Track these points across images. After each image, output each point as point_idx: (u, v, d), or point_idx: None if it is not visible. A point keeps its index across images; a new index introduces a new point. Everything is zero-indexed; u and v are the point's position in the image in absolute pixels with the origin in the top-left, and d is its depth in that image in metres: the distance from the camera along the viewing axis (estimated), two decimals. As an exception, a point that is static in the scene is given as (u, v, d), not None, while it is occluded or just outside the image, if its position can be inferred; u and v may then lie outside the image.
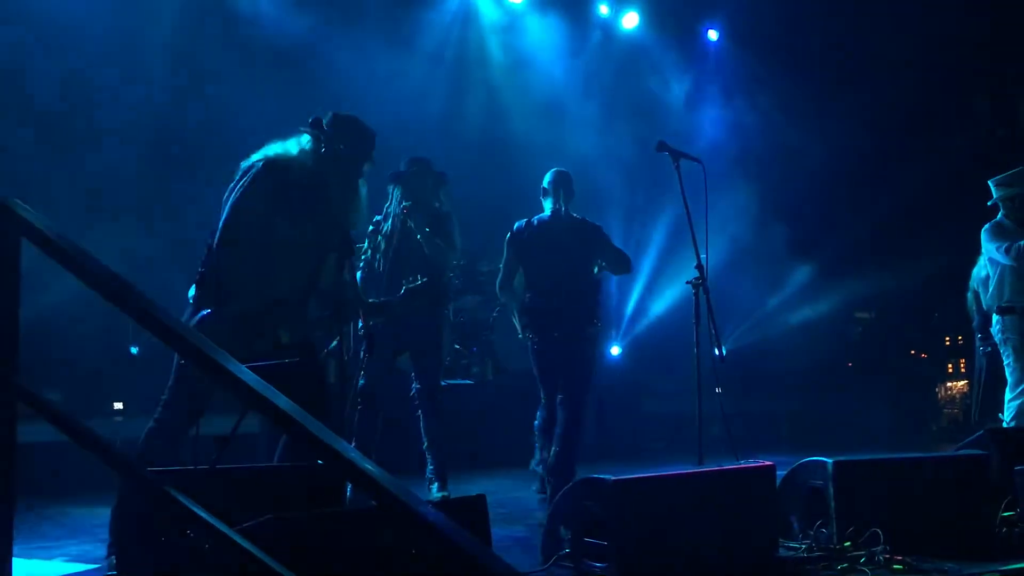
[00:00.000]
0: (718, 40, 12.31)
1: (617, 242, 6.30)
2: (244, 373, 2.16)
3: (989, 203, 6.98)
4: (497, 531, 3.96)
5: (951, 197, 10.91)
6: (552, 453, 5.85)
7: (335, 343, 4.41)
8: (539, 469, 6.21)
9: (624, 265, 6.20)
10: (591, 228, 6.08)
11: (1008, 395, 6.77)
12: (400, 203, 6.12)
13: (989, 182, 6.99)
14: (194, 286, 4.19)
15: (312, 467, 3.61)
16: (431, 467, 6.07)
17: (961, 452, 5.12)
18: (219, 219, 4.18)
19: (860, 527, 4.18)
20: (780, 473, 4.52)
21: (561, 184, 6.07)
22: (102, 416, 7.27)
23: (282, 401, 2.12)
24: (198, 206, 5.44)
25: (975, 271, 7.81)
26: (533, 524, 5.21)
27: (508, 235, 6.18)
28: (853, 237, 11.86)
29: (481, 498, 3.55)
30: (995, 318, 6.87)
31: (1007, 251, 6.64)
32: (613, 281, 6.28)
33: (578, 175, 6.37)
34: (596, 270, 6.10)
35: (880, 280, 11.82)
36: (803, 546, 4.27)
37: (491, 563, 1.96)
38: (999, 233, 6.77)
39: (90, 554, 4.51)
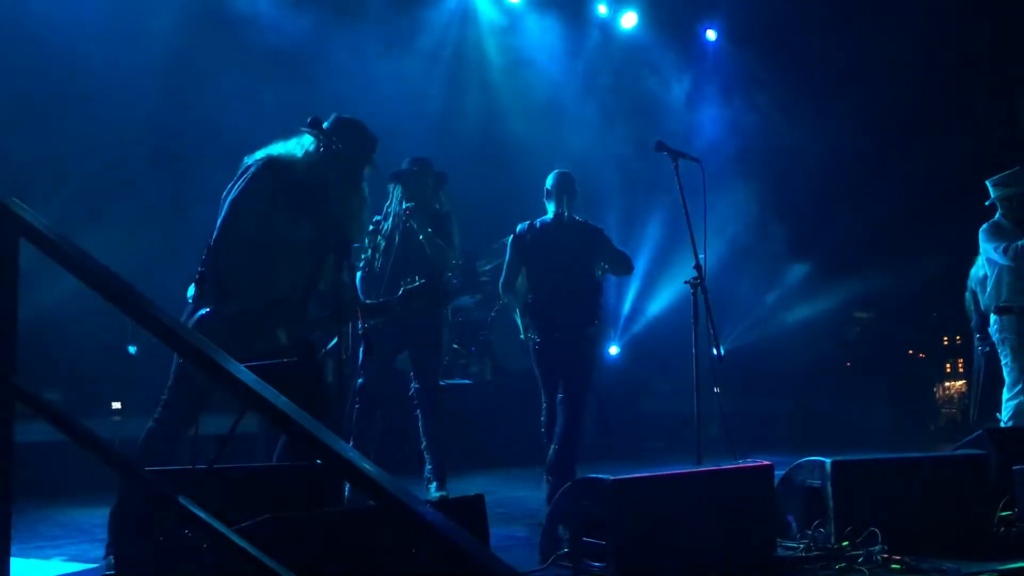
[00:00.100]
0: (716, 40, 12.31)
1: (615, 241, 6.32)
2: (243, 373, 2.16)
3: (987, 203, 6.99)
4: (496, 531, 3.96)
5: (950, 197, 10.90)
6: (551, 451, 5.87)
7: (333, 343, 4.41)
8: None
9: (625, 267, 6.23)
10: (593, 230, 6.11)
11: (1006, 395, 6.79)
12: (401, 203, 6.12)
13: (987, 182, 7.00)
14: (193, 285, 4.19)
15: (311, 467, 3.61)
16: (429, 467, 6.08)
17: (959, 452, 5.13)
18: (218, 218, 4.18)
19: (858, 527, 4.19)
20: (778, 473, 4.53)
21: (564, 186, 6.09)
22: (101, 416, 7.27)
23: (280, 401, 2.12)
24: (197, 205, 5.44)
25: (973, 271, 7.82)
26: (532, 524, 5.21)
27: (511, 237, 6.21)
28: (852, 237, 11.85)
29: (480, 498, 3.56)
30: (993, 318, 6.88)
31: (1004, 251, 6.65)
32: (611, 281, 6.29)
33: (576, 174, 6.38)
34: (600, 272, 6.13)
35: (878, 280, 11.82)
36: (801, 546, 4.28)
37: (490, 563, 1.96)
38: (997, 233, 6.78)
39: (88, 554, 4.51)
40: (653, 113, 11.44)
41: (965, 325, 8.80)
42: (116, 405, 7.49)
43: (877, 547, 4.08)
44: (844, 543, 4.19)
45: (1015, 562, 4.12)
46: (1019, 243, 6.59)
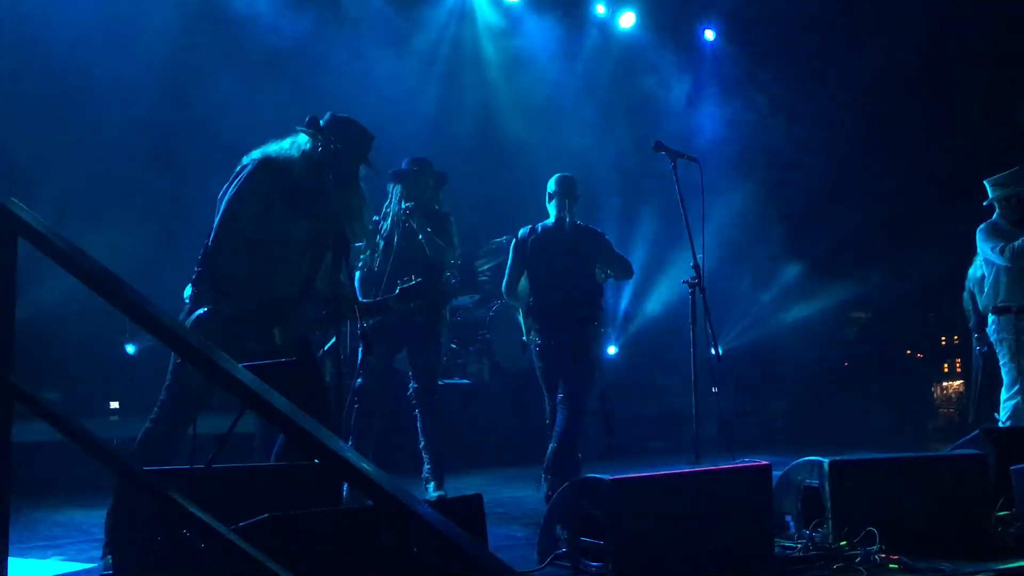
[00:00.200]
0: (714, 40, 12.32)
1: (613, 241, 6.34)
2: (241, 372, 2.16)
3: (985, 203, 6.99)
4: (493, 530, 3.96)
5: (948, 197, 10.90)
6: (550, 450, 5.88)
7: (331, 343, 4.41)
8: None
9: (626, 271, 6.29)
10: (594, 235, 6.16)
11: (1004, 395, 6.79)
12: (400, 203, 6.12)
13: (985, 182, 7.00)
14: (190, 285, 4.19)
15: (309, 466, 3.61)
16: (428, 466, 6.08)
17: (957, 452, 5.13)
18: (214, 218, 4.18)
19: (856, 526, 4.19)
20: (776, 473, 4.52)
21: (565, 189, 6.13)
22: (99, 416, 7.27)
23: (279, 400, 2.12)
24: (196, 205, 5.44)
25: (971, 271, 7.82)
26: (530, 523, 5.21)
27: (513, 241, 6.28)
28: (850, 237, 11.86)
29: (478, 497, 3.56)
30: (991, 318, 6.89)
31: (1001, 251, 6.66)
32: (609, 281, 6.32)
33: (573, 173, 6.40)
34: (602, 277, 6.17)
35: (876, 280, 11.83)
36: (799, 545, 4.28)
37: (487, 562, 1.97)
38: (994, 233, 6.79)
39: (86, 554, 4.50)
40: (651, 113, 11.43)
41: (963, 325, 8.81)
42: (114, 405, 7.49)
43: (875, 547, 4.08)
44: (842, 543, 4.19)
45: (1012, 562, 4.12)
46: (1016, 243, 6.59)
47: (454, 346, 8.89)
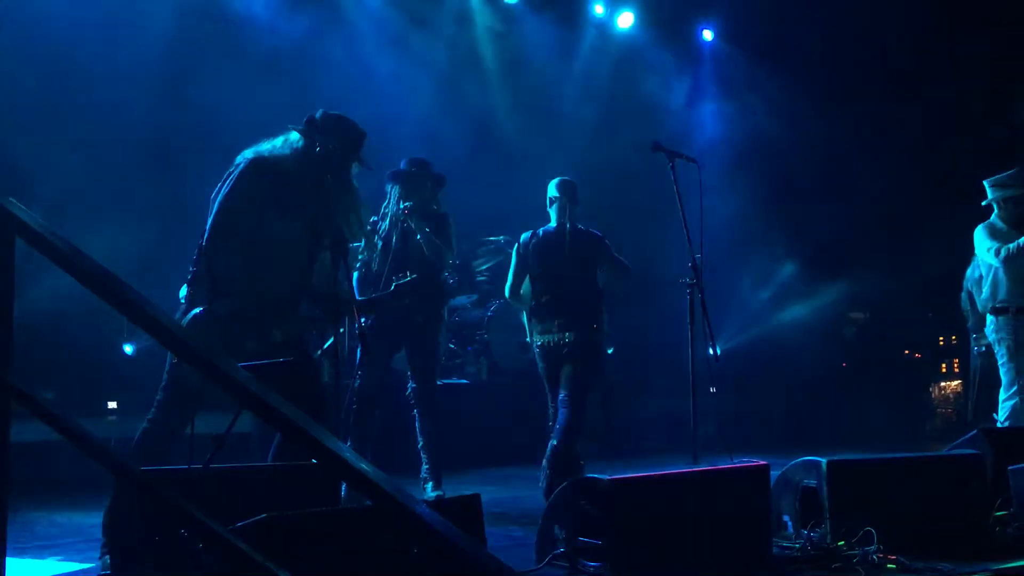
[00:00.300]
0: (713, 40, 12.32)
1: (611, 241, 6.35)
2: (239, 372, 2.16)
3: (983, 203, 6.99)
4: (492, 530, 3.96)
5: (947, 197, 10.91)
6: (550, 446, 5.90)
7: (330, 342, 4.41)
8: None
9: (625, 275, 6.33)
10: (594, 238, 6.21)
11: (1002, 395, 6.79)
12: (398, 203, 6.12)
13: (984, 182, 7.01)
14: (185, 286, 4.19)
15: (307, 466, 3.61)
16: (426, 466, 6.08)
17: (955, 452, 5.13)
18: (207, 218, 4.18)
19: (854, 526, 4.18)
20: (774, 473, 4.52)
21: (565, 194, 6.19)
22: (97, 415, 7.26)
23: (277, 401, 2.12)
24: (194, 206, 5.43)
25: (969, 271, 7.83)
26: (528, 523, 5.21)
27: (515, 245, 6.34)
28: (848, 236, 11.87)
29: (476, 497, 3.57)
30: (989, 318, 6.89)
31: (996, 253, 6.67)
32: (609, 282, 6.36)
33: (570, 173, 6.41)
34: (601, 283, 6.22)
35: (874, 280, 11.83)
36: (797, 545, 4.28)
37: (486, 562, 1.97)
38: (991, 234, 6.79)
39: (84, 554, 4.50)
40: (649, 113, 11.44)
41: (961, 325, 8.82)
42: (112, 404, 7.49)
43: (873, 547, 4.08)
44: (840, 543, 4.19)
45: (1010, 562, 4.12)
46: (1011, 246, 6.60)
47: (452, 346, 8.89)
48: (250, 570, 2.13)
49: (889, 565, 4.01)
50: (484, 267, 9.71)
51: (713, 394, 5.82)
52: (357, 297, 5.19)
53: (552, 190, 6.23)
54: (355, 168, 4.45)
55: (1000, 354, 6.80)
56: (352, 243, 4.97)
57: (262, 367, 3.58)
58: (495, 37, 10.78)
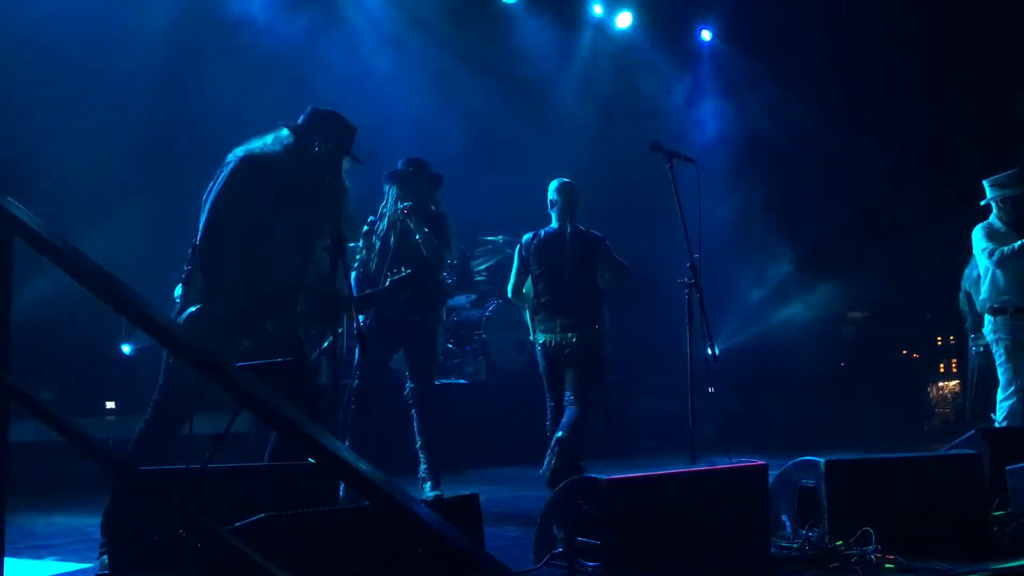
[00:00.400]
0: (711, 40, 12.33)
1: (610, 240, 6.37)
2: (236, 371, 2.16)
3: (982, 203, 6.99)
4: (490, 530, 3.96)
5: (946, 197, 10.91)
6: (555, 438, 5.92)
7: (328, 342, 4.41)
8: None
9: (625, 276, 6.42)
10: (595, 239, 6.30)
11: (1000, 395, 6.80)
12: (396, 203, 6.12)
13: (984, 182, 7.00)
14: (180, 285, 4.19)
15: (306, 466, 3.61)
16: (424, 466, 6.08)
17: (953, 452, 5.14)
18: (200, 217, 4.18)
19: (852, 526, 4.19)
20: (772, 472, 4.53)
21: (566, 197, 6.28)
22: (95, 415, 7.26)
23: (276, 401, 2.12)
24: (191, 206, 5.43)
25: (967, 271, 7.83)
26: (526, 523, 5.20)
27: (517, 246, 6.45)
28: (846, 236, 11.87)
29: (474, 497, 3.57)
30: (987, 318, 6.89)
31: (990, 254, 6.68)
32: (609, 282, 6.38)
33: (570, 173, 6.41)
34: (601, 284, 6.26)
35: (873, 280, 11.83)
36: (795, 545, 4.28)
37: (484, 562, 1.97)
38: (988, 235, 6.79)
39: (82, 554, 4.50)
40: (648, 112, 11.44)
41: (959, 325, 8.82)
42: (110, 404, 7.48)
43: (871, 547, 4.08)
44: (838, 543, 4.19)
45: (1008, 561, 4.13)
46: (1006, 248, 6.60)
47: (451, 346, 8.89)
48: (248, 570, 2.13)
49: (887, 565, 4.01)
50: (482, 267, 9.71)
51: (712, 394, 5.83)
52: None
53: (553, 192, 6.30)
54: (346, 163, 4.45)
55: (998, 354, 6.80)
56: (350, 243, 4.97)
57: (258, 366, 3.57)
58: (493, 37, 10.77)
